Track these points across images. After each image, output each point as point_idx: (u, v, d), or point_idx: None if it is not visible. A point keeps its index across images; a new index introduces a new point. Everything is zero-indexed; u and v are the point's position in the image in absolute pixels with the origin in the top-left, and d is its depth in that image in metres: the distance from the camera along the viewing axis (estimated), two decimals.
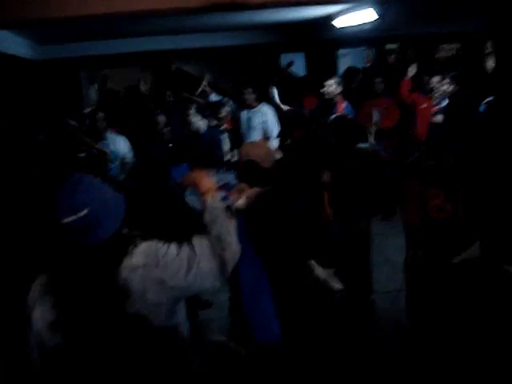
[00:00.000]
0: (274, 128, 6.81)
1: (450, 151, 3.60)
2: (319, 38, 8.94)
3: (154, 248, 2.04)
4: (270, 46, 10.29)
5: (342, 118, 4.78)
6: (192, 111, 6.86)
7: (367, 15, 6.26)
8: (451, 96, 6.76)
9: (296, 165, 3.83)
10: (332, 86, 6.75)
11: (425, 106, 7.19)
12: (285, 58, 12.96)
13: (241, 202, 3.05)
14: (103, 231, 1.97)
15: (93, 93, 14.57)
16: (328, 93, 6.83)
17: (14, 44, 6.98)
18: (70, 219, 1.91)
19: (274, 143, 6.24)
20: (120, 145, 6.39)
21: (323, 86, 6.87)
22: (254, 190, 3.18)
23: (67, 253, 1.99)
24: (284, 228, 3.01)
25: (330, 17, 7.37)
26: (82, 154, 5.54)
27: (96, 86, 16.27)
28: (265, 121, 6.92)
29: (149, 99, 9.54)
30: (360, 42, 9.44)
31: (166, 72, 14.66)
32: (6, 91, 6.67)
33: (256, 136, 6.90)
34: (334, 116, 4.75)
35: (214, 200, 2.25)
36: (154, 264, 1.98)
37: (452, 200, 3.41)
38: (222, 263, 2.05)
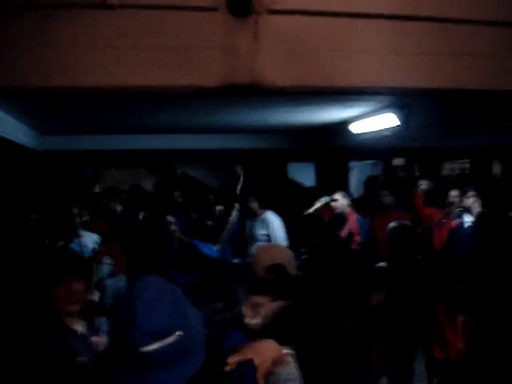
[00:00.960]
0: (278, 239, 6.38)
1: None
2: (333, 146, 8.61)
3: None
4: (279, 152, 10.04)
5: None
6: None
7: (388, 120, 5.92)
8: (481, 212, 6.37)
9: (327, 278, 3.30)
10: (340, 200, 6.38)
11: (444, 220, 6.80)
12: (291, 167, 12.79)
13: (258, 320, 2.55)
14: (192, 364, 1.45)
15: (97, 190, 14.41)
16: (337, 207, 6.43)
17: (18, 132, 6.70)
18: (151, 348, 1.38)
19: None
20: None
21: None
22: (274, 305, 2.65)
23: None
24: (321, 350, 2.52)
25: (346, 122, 7.06)
26: None
27: (98, 185, 16.22)
28: (268, 232, 6.49)
29: (153, 199, 9.29)
30: (378, 152, 9.08)
31: (171, 175, 14.56)
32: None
33: None
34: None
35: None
36: None
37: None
38: None
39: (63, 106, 6.08)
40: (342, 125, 7.22)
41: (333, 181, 8.96)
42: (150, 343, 1.37)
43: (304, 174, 11.13)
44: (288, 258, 2.80)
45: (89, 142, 9.19)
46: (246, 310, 2.71)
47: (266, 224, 6.52)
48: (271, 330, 2.66)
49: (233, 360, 1.66)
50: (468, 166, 16.35)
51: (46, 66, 2.85)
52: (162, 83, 2.95)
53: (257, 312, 2.67)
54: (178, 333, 1.40)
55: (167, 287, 1.51)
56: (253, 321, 2.65)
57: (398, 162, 17.78)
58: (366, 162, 14.52)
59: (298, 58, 3.13)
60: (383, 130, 6.21)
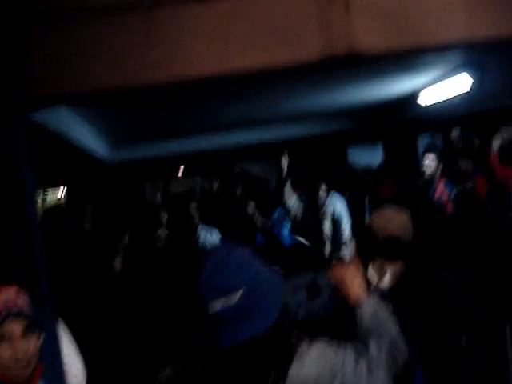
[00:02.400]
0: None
1: None
2: (401, 120, 8.54)
3: (328, 356, 1.60)
4: (341, 134, 9.99)
5: None
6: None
7: (461, 85, 5.85)
8: None
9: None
10: (432, 162, 6.29)
11: None
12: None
13: (386, 280, 2.61)
14: (259, 322, 1.52)
15: (158, 198, 14.76)
16: (428, 173, 6.35)
17: (93, 143, 6.91)
18: (218, 305, 1.47)
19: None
20: (213, 237, 6.28)
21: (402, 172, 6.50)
22: (397, 267, 2.71)
23: (206, 350, 1.53)
24: (442, 306, 2.54)
25: (416, 92, 7.01)
26: None
27: (159, 193, 16.59)
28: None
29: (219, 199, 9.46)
30: (452, 119, 8.93)
31: (229, 175, 14.68)
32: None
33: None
34: None
35: (373, 298, 1.93)
36: (331, 378, 1.54)
37: None
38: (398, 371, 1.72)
39: (130, 114, 6.25)
40: (410, 97, 7.18)
41: (402, 158, 8.93)
42: (215, 298, 1.46)
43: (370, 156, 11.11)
44: (402, 227, 2.84)
45: (155, 149, 9.34)
46: (371, 273, 2.77)
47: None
48: (399, 290, 2.71)
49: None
50: None
51: (152, 62, 2.98)
52: (265, 62, 3.04)
53: (383, 274, 2.73)
54: (241, 290, 1.47)
55: (236, 249, 1.63)
56: (381, 283, 2.71)
57: (456, 132, 17.53)
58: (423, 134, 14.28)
59: (388, 22, 3.16)
60: (456, 97, 6.15)
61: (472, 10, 3.22)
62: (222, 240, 6.11)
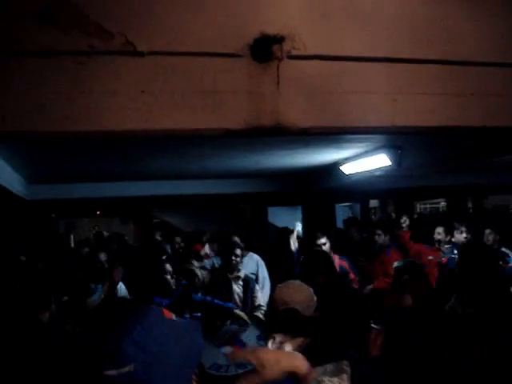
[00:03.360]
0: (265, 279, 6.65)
1: None
2: (322, 188, 8.74)
3: None
4: (263, 196, 10.14)
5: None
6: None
7: (380, 161, 6.09)
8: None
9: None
10: (327, 243, 6.42)
11: (431, 257, 6.95)
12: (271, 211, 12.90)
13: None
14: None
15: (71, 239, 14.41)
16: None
17: (12, 180, 6.70)
18: (110, 373, 1.42)
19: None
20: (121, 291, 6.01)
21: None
22: (297, 342, 2.71)
23: None
24: None
25: (337, 163, 7.22)
26: None
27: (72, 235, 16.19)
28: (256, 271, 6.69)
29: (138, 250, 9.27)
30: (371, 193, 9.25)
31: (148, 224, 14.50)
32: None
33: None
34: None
35: None
36: None
37: None
38: None
39: (51, 155, 6.13)
40: (332, 167, 7.38)
41: (320, 223, 9.09)
42: (109, 369, 1.44)
43: (288, 218, 11.25)
44: (302, 300, 2.87)
45: (74, 191, 9.20)
46: (271, 347, 2.76)
47: (254, 263, 6.70)
48: None
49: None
50: (443, 204, 16.82)
51: (76, 112, 2.92)
52: (190, 126, 3.05)
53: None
54: (129, 367, 1.45)
55: (146, 320, 1.52)
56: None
57: (373, 203, 18.15)
58: (341, 204, 14.71)
59: (316, 100, 3.27)
60: (375, 170, 6.37)
61: (395, 99, 3.38)
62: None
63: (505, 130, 3.57)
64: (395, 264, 4.39)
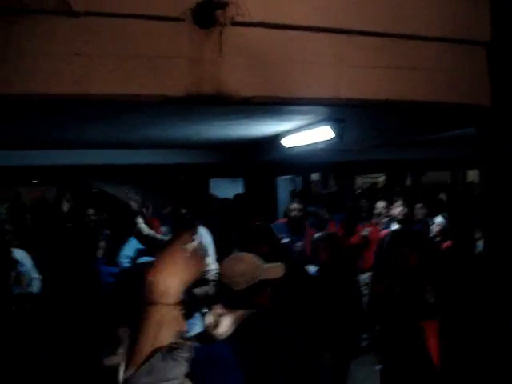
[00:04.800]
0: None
1: None
2: (263, 160, 8.70)
3: None
4: (204, 167, 10.05)
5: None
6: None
7: (323, 134, 6.07)
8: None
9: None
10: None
11: (367, 231, 7.00)
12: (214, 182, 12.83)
13: (221, 329, 2.57)
14: None
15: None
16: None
17: None
18: None
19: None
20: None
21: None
22: (236, 315, 2.70)
23: None
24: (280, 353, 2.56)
25: (279, 136, 7.18)
26: None
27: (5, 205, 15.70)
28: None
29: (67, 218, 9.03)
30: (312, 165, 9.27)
31: (87, 192, 14.18)
32: None
33: None
34: None
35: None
36: None
37: None
38: None
39: None
40: (274, 139, 7.34)
41: (261, 195, 9.07)
42: None
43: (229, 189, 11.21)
44: (241, 272, 2.84)
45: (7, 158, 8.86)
46: (209, 319, 2.74)
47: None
48: (236, 337, 2.69)
49: None
50: (382, 179, 17.12)
51: (7, 73, 2.75)
52: (127, 92, 2.93)
53: (219, 322, 2.71)
54: None
55: None
56: (217, 331, 2.68)
57: (314, 176, 18.29)
58: (283, 177, 14.78)
59: (259, 69, 3.20)
60: (317, 144, 6.36)
61: (340, 70, 3.35)
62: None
63: (448, 105, 3.59)
64: None
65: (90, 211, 7.77)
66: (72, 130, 6.60)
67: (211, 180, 12.39)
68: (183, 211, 6.64)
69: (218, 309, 2.73)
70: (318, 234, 5.09)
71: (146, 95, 2.97)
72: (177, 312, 1.45)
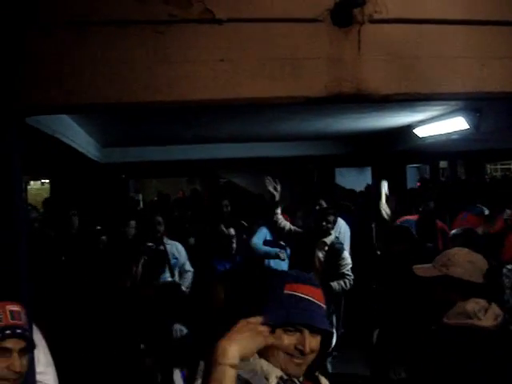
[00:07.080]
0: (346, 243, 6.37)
1: None
2: (395, 151, 8.56)
3: None
4: (332, 157, 10.03)
5: None
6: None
7: (458, 124, 5.87)
8: None
9: None
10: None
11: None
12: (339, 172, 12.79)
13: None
14: None
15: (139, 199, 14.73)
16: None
17: (86, 144, 6.87)
18: None
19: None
20: (179, 252, 5.96)
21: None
22: None
23: None
24: None
25: (411, 126, 7.03)
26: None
27: (140, 195, 16.56)
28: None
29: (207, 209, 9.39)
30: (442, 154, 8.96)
31: (216, 185, 14.64)
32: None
33: None
34: None
35: None
36: None
37: None
38: None
39: (124, 120, 6.22)
40: (406, 129, 7.19)
41: (391, 183, 8.91)
42: None
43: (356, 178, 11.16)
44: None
45: (146, 154, 9.41)
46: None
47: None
48: None
49: None
50: None
51: (156, 81, 2.92)
52: (270, 95, 3.00)
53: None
54: None
55: None
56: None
57: (442, 164, 17.69)
58: (411, 165, 14.39)
59: (398, 65, 3.14)
60: (452, 134, 6.17)
61: (483, 63, 3.21)
62: None
63: None
64: None
65: (225, 202, 8.08)
66: (207, 127, 6.85)
67: (336, 170, 12.37)
68: (323, 204, 6.64)
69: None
70: (454, 230, 4.92)
71: (288, 97, 3.03)
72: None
